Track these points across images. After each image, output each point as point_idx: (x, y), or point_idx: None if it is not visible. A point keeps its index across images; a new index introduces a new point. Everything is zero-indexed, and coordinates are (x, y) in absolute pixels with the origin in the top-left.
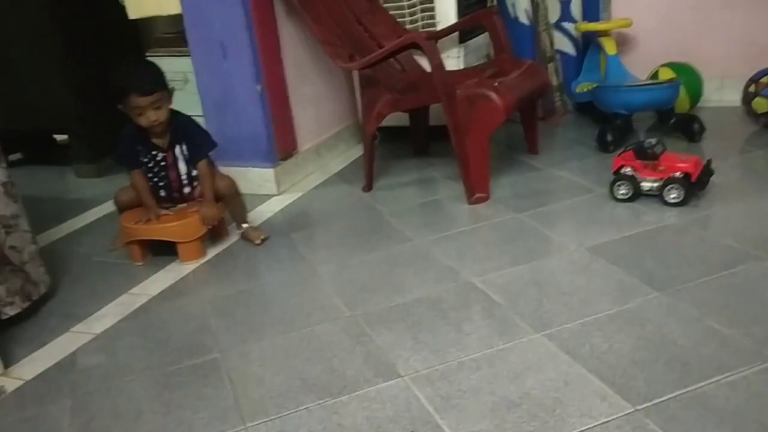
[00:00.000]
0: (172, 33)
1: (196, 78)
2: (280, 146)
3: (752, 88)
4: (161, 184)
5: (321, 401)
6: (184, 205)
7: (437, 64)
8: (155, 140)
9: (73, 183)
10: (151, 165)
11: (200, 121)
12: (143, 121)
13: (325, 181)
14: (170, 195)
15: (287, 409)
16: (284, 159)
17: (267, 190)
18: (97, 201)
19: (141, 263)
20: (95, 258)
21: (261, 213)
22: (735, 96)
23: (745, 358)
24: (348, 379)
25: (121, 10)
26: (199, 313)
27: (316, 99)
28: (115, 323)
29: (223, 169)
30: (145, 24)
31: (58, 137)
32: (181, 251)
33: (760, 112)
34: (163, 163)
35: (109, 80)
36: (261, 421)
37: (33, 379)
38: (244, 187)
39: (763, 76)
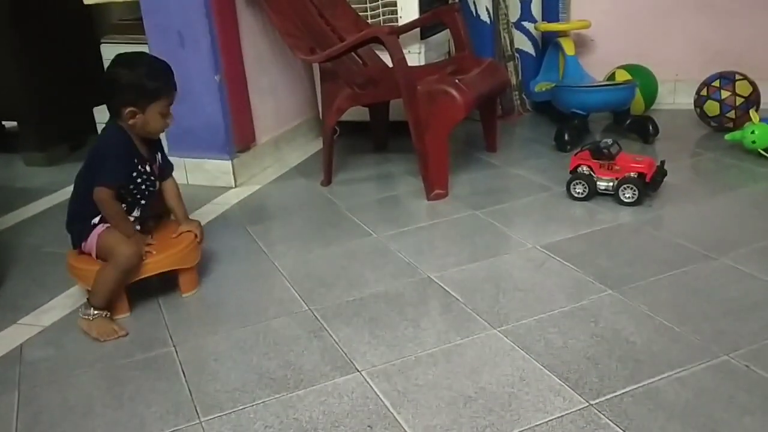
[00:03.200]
0: (128, 20)
1: None
2: (238, 138)
3: (704, 92)
4: (143, 202)
5: (277, 395)
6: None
7: (399, 59)
8: (141, 148)
9: (22, 171)
10: (139, 180)
11: None
12: (162, 125)
13: (283, 175)
14: (145, 215)
15: (243, 404)
16: (242, 151)
17: (224, 183)
18: (47, 190)
19: (128, 315)
20: (44, 249)
21: (217, 206)
22: (687, 99)
23: (694, 355)
24: (305, 373)
25: None
26: (152, 306)
27: (276, 91)
28: (64, 315)
29: (180, 161)
30: (100, 10)
31: (7, 124)
32: (186, 281)
33: (710, 115)
34: (152, 177)
35: (133, 79)
36: (216, 416)
37: None
38: (201, 179)
39: (715, 80)
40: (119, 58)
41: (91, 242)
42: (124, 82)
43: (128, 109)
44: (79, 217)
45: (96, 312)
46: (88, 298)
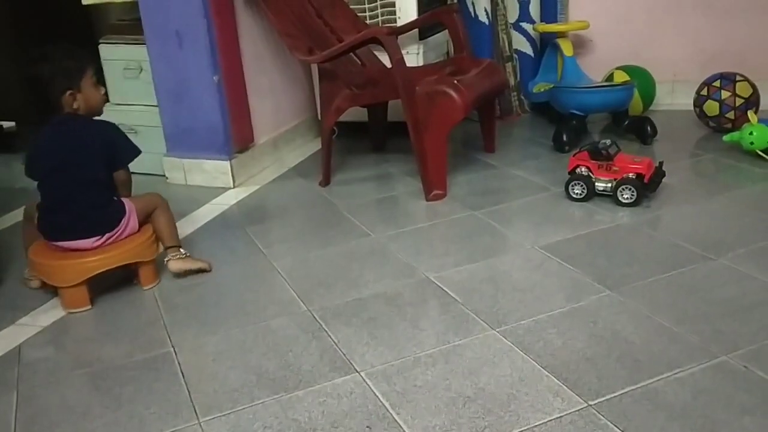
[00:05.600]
0: (127, 20)
1: (151, 67)
2: (237, 138)
3: (704, 92)
4: None
5: (276, 396)
6: None
7: (398, 60)
8: None
9: (20, 171)
10: None
11: (155, 111)
12: (101, 97)
13: (282, 175)
14: None
15: (242, 404)
16: (241, 151)
17: (222, 183)
18: None
19: (89, 307)
20: None
21: (216, 206)
22: (685, 100)
23: (693, 355)
24: (304, 374)
25: None
26: (151, 306)
27: (274, 91)
28: (63, 316)
29: (178, 161)
30: (99, 10)
31: (5, 124)
32: (145, 274)
33: (710, 115)
34: None
35: (56, 67)
36: (215, 416)
37: None
38: (199, 179)
39: (715, 80)
40: (33, 58)
41: (131, 213)
42: (49, 74)
43: (67, 93)
44: (108, 201)
45: (180, 249)
46: (167, 247)
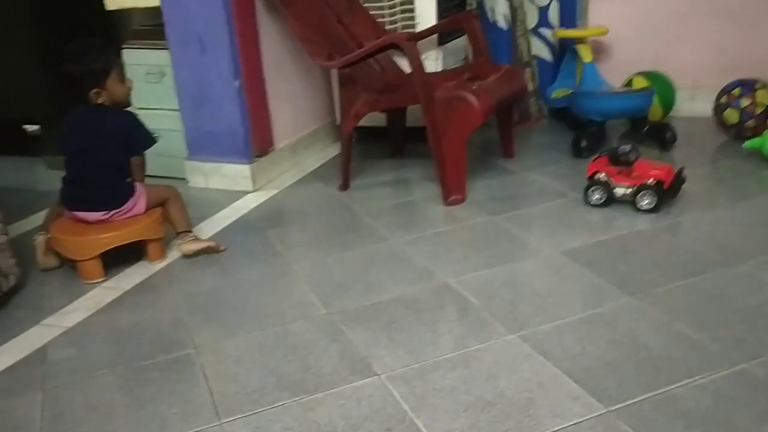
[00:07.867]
0: (149, 25)
1: (173, 72)
2: (257, 143)
3: (724, 100)
4: None
5: (296, 398)
6: None
7: (417, 65)
8: None
9: (44, 174)
10: None
11: (176, 115)
12: (126, 90)
13: (301, 179)
14: None
15: (262, 406)
16: (260, 156)
17: (242, 187)
18: None
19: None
20: None
21: (236, 210)
22: (706, 106)
23: (713, 362)
24: (323, 376)
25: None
26: (172, 308)
27: (294, 96)
28: (86, 317)
29: (199, 165)
30: (122, 15)
31: (29, 128)
32: (153, 250)
33: (730, 123)
34: None
35: (83, 69)
36: (236, 417)
37: (2, 372)
38: (220, 183)
39: (734, 88)
40: (64, 56)
41: (140, 198)
42: (77, 75)
43: (92, 92)
44: (120, 183)
45: (192, 233)
46: (179, 232)
